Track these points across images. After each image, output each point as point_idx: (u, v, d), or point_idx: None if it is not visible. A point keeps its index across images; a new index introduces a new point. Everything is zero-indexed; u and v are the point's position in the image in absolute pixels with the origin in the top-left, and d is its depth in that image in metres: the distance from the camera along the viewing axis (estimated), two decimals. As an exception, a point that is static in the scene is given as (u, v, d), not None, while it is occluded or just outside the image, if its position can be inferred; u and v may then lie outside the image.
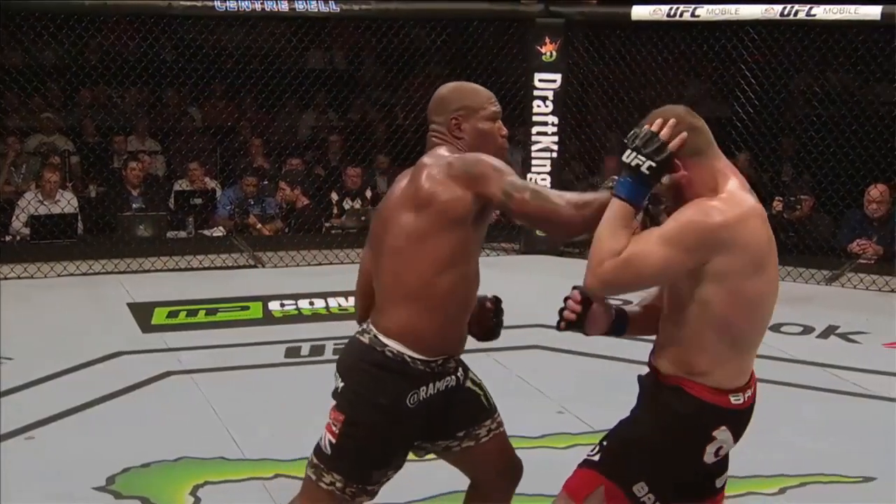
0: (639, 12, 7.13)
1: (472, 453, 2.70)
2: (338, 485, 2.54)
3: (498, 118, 2.65)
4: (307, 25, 7.84)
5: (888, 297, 6.66)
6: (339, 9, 7.26)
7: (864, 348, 5.54)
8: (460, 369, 2.64)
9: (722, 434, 2.37)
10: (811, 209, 7.56)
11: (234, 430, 4.19)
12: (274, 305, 6.25)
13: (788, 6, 6.62)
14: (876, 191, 7.14)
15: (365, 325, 2.57)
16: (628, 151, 2.27)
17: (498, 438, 2.73)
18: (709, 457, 2.38)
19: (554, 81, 7.47)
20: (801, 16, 6.61)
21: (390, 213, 2.53)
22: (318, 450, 2.58)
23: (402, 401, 2.50)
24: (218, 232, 8.08)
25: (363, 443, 2.53)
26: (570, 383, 4.85)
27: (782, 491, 3.65)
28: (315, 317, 6.05)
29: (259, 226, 8.18)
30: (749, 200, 2.29)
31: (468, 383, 2.68)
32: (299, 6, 7.16)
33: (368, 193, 8.55)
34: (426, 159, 2.55)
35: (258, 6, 7.08)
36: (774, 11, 6.68)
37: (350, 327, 6.43)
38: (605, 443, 2.44)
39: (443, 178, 2.45)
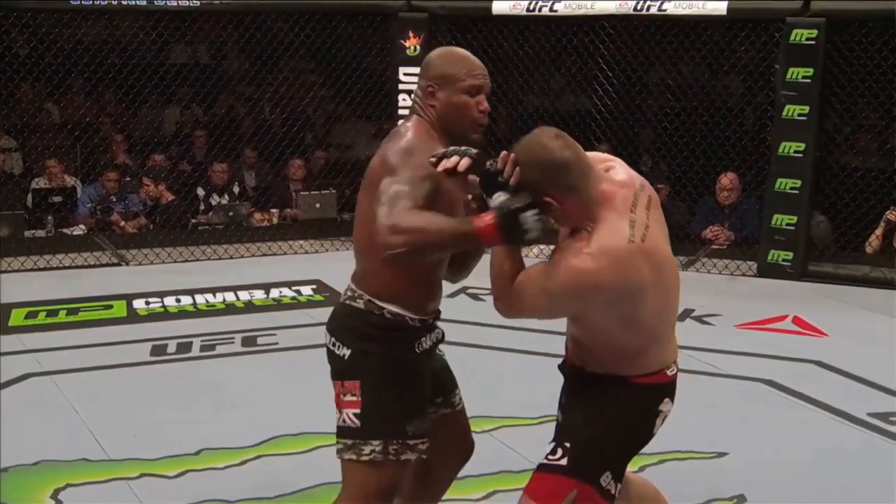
0: (499, 7, 7.25)
1: (444, 422, 2.72)
2: (377, 450, 2.50)
3: (479, 92, 2.55)
4: (167, 19, 7.70)
5: (739, 281, 6.97)
6: (199, 3, 7.15)
7: (718, 330, 5.78)
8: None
9: (666, 406, 2.55)
10: (667, 197, 7.83)
11: (98, 430, 4.12)
12: (139, 303, 6.13)
13: (641, 2, 6.84)
14: (726, 179, 7.44)
15: (351, 290, 2.57)
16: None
17: (464, 412, 2.81)
18: (656, 428, 2.56)
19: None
20: (654, 11, 6.83)
21: (367, 178, 2.53)
22: (343, 431, 2.54)
23: (412, 350, 2.56)
24: (79, 230, 7.88)
25: (385, 398, 2.51)
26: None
27: (642, 469, 3.77)
28: (182, 314, 5.97)
29: (122, 223, 8.00)
30: (619, 242, 2.32)
31: (440, 348, 2.75)
32: (158, 1, 7.02)
33: (236, 188, 8.46)
34: (395, 131, 2.55)
35: (114, 0, 6.90)
36: (628, 6, 6.89)
37: (218, 323, 6.33)
38: (567, 444, 2.48)
39: (380, 165, 2.46)
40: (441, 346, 2.77)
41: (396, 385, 2.53)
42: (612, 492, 2.50)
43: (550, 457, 2.48)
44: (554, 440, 2.52)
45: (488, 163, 2.37)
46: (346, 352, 2.54)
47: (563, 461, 2.45)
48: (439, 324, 2.72)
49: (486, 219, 2.27)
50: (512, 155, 2.34)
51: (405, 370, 2.55)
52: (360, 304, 2.54)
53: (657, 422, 2.55)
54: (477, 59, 2.62)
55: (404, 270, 2.47)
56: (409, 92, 7.56)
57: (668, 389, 2.56)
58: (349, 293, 2.58)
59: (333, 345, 2.57)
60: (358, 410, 2.51)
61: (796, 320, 5.94)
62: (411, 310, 2.54)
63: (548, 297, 2.35)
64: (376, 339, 2.53)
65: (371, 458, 2.50)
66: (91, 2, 6.88)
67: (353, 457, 2.52)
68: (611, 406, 2.49)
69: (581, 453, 2.46)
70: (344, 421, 2.54)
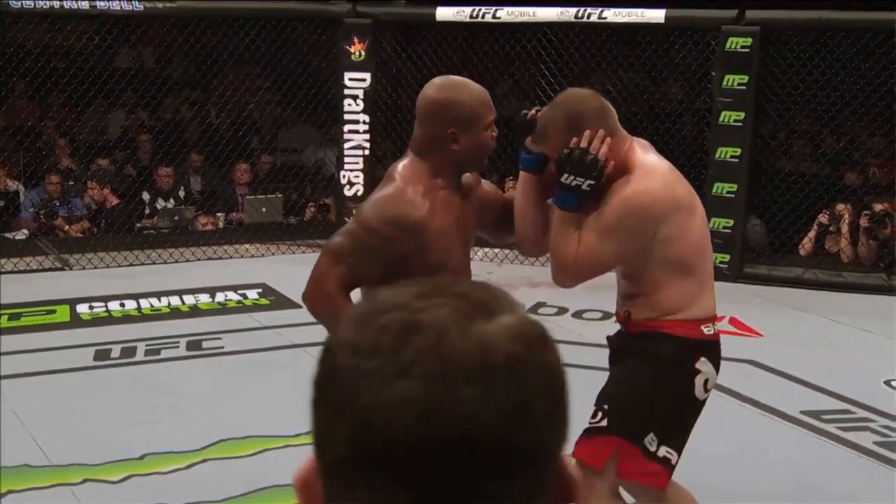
0: (443, 13, 7.32)
1: None
2: None
3: (492, 124, 2.52)
4: (111, 23, 7.67)
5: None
6: (142, 7, 7.14)
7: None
8: None
9: (704, 366, 2.56)
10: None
11: (40, 436, 4.12)
12: (82, 308, 6.11)
13: (582, 9, 6.97)
14: (665, 183, 7.58)
15: None
16: (565, 174, 2.48)
17: None
18: (699, 391, 2.56)
19: (364, 80, 7.58)
20: (594, 18, 6.96)
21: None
22: None
23: None
24: (21, 234, 7.82)
25: None
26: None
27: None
28: (126, 318, 5.96)
29: (66, 227, 7.96)
30: (659, 164, 2.57)
31: None
32: (101, 5, 6.99)
33: (181, 192, 8.45)
34: (387, 177, 2.53)
35: (56, 4, 6.87)
36: (569, 14, 7.00)
37: (163, 327, 6.32)
38: (605, 406, 2.55)
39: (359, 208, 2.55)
40: None
41: None
42: (666, 457, 2.51)
43: (591, 420, 2.55)
44: (595, 404, 2.58)
45: (570, 145, 2.51)
46: None
47: (603, 422, 2.53)
48: None
49: None
50: (600, 131, 2.48)
51: None
52: None
53: (696, 382, 2.53)
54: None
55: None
56: (354, 97, 7.61)
57: (704, 347, 2.57)
58: None
59: None
60: None
61: (733, 321, 6.06)
62: None
63: (609, 235, 2.47)
64: None
65: None
66: (32, 5, 6.84)
67: None
68: (644, 362, 2.53)
69: (619, 412, 2.52)
70: None
